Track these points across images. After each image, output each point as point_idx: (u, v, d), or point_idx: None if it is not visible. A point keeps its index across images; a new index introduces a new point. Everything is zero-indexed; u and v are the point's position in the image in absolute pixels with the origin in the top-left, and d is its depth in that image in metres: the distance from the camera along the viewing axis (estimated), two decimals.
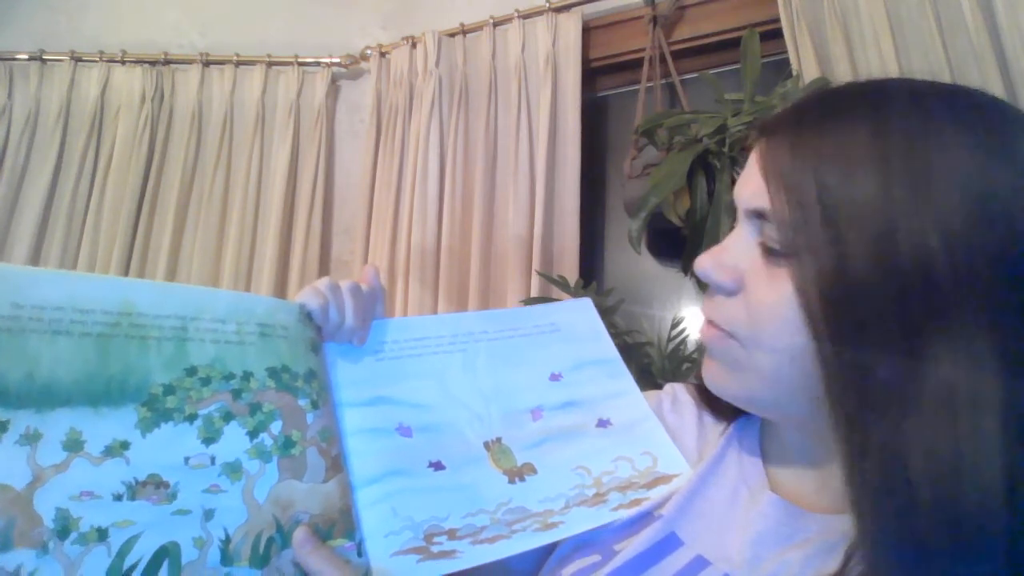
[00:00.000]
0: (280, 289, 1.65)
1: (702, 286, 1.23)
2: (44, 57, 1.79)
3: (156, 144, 1.74)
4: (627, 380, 0.64)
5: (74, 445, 0.42)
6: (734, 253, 0.46)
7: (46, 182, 1.71)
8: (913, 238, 0.37)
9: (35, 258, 1.68)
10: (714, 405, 0.59)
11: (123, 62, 1.79)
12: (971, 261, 0.36)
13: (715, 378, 0.49)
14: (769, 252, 0.43)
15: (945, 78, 1.09)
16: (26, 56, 1.79)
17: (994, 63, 1.07)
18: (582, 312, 0.68)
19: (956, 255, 0.36)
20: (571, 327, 0.67)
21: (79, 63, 1.79)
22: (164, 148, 1.75)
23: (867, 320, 0.38)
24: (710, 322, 0.48)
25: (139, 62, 1.78)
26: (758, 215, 0.44)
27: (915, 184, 0.37)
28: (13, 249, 1.68)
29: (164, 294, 0.48)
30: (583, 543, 0.52)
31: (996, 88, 1.06)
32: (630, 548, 0.49)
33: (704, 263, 0.47)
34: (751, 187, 0.45)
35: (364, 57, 1.75)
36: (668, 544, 0.49)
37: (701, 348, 1.41)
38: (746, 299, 0.44)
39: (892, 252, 0.37)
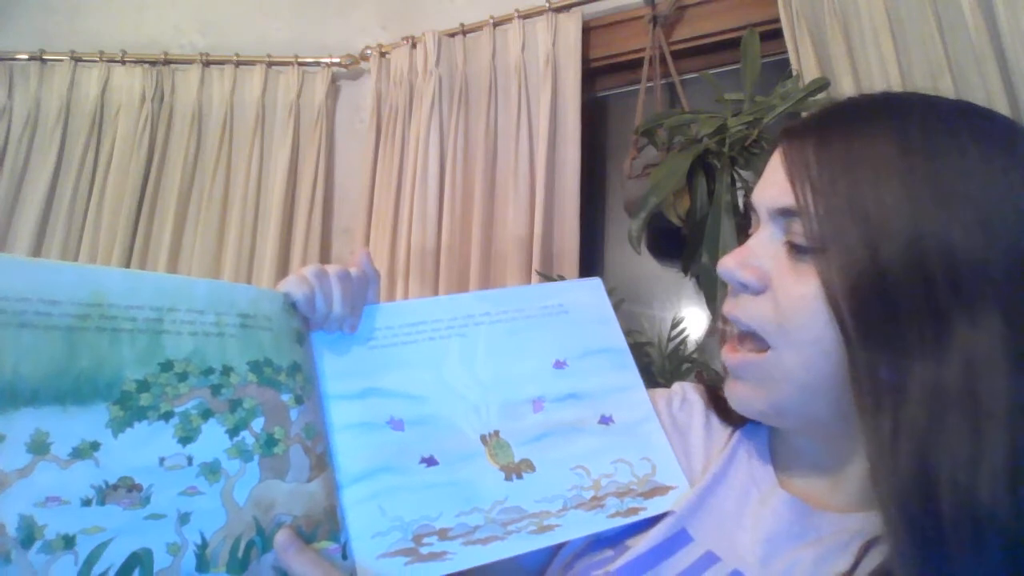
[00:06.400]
0: None
1: (702, 290, 1.22)
2: (44, 57, 1.78)
3: (156, 144, 1.74)
4: (632, 373, 0.61)
5: (40, 447, 0.39)
6: (758, 253, 0.47)
7: (46, 182, 1.70)
8: (936, 237, 0.39)
9: (35, 257, 1.68)
10: (722, 408, 0.58)
11: (123, 62, 1.78)
12: (986, 263, 0.39)
13: (742, 397, 0.49)
14: (795, 249, 0.44)
15: (945, 78, 1.09)
16: (26, 56, 1.78)
17: (994, 63, 1.07)
18: (592, 293, 0.64)
19: (974, 255, 0.38)
20: (580, 309, 0.62)
21: (79, 63, 1.78)
22: (164, 148, 1.74)
23: (892, 310, 0.39)
24: (732, 346, 0.48)
25: (139, 62, 1.78)
26: (784, 213, 0.45)
27: (937, 188, 0.40)
28: (13, 249, 1.67)
29: (137, 283, 0.45)
30: (595, 537, 0.52)
31: (996, 88, 1.06)
32: (641, 543, 0.50)
33: (728, 264, 0.47)
34: (776, 188, 0.46)
35: (364, 57, 1.74)
36: (678, 540, 0.50)
37: (701, 348, 1.40)
38: (773, 295, 0.45)
39: (917, 249, 0.39)
